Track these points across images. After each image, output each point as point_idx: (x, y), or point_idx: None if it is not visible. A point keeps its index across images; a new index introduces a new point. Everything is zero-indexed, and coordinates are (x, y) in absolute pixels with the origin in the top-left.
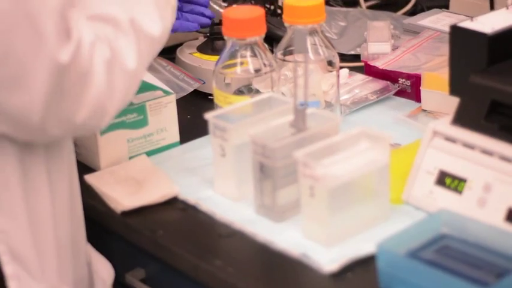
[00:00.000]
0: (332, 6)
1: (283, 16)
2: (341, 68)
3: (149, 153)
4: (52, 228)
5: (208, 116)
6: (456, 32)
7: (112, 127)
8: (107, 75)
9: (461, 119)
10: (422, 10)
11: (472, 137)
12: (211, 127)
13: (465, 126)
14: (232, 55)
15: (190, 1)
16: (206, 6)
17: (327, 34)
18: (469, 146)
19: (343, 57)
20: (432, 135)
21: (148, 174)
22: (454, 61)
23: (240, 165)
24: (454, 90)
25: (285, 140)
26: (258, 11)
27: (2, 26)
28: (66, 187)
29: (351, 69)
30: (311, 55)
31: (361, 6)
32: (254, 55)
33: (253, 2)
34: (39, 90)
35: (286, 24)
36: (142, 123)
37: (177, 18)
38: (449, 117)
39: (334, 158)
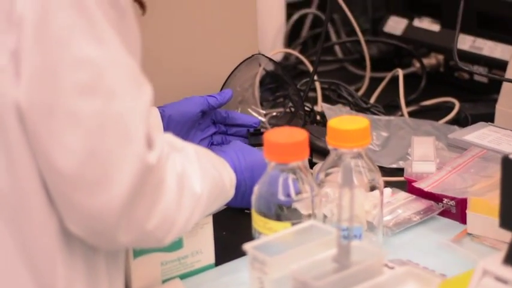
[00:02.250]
0: (374, 114)
1: (327, 138)
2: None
3: (182, 276)
4: None
5: (247, 247)
6: (508, 164)
7: (146, 250)
8: (177, 190)
9: None
10: (466, 118)
11: None
12: (249, 258)
13: None
14: (274, 179)
15: (236, 124)
16: (254, 127)
17: (369, 146)
18: None
19: (384, 170)
20: (482, 274)
21: None
22: (505, 193)
23: None
24: (505, 223)
25: (327, 277)
26: (302, 135)
27: (93, 125)
28: None
29: (392, 183)
30: (354, 179)
31: (402, 113)
32: (296, 178)
33: (292, 108)
34: (120, 191)
35: (329, 147)
36: (177, 245)
37: (222, 143)
38: (501, 254)
39: None
